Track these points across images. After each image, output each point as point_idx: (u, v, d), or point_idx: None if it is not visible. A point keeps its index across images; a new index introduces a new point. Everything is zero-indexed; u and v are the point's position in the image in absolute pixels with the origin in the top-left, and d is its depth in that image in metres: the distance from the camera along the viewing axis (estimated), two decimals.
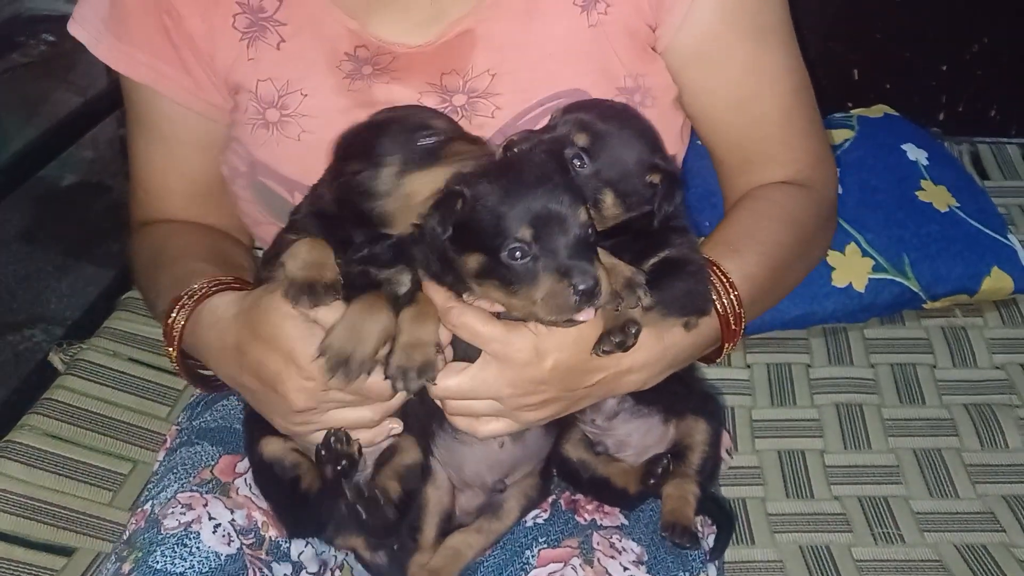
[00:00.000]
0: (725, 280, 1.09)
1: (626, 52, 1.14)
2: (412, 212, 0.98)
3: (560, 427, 1.15)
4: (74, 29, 1.20)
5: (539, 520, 1.15)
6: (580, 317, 0.93)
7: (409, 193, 0.98)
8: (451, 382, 1.00)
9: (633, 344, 0.97)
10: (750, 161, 1.18)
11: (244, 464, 1.14)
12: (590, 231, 0.94)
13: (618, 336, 0.96)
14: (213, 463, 1.14)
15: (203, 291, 1.10)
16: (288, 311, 0.97)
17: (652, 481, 1.11)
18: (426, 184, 0.97)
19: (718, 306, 1.08)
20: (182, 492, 1.09)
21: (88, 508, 1.40)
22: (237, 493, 1.11)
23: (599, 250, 0.97)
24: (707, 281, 1.07)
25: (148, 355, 1.66)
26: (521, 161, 0.99)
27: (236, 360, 1.03)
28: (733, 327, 1.10)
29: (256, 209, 1.21)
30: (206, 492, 1.09)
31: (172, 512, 1.06)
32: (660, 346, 1.03)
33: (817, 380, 1.70)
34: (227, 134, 1.21)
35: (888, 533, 1.42)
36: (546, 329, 0.96)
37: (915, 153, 1.90)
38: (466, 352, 1.01)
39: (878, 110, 2.05)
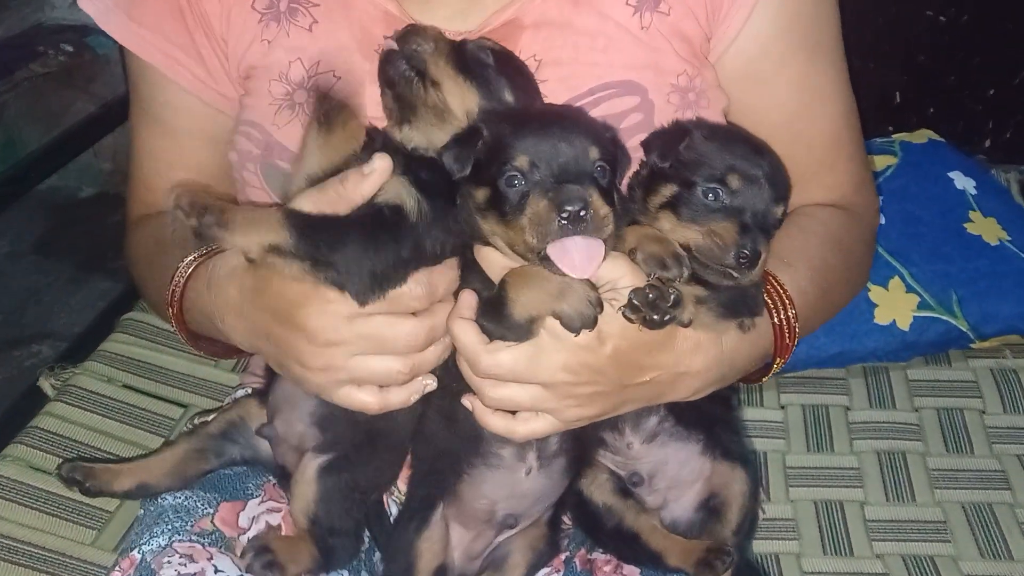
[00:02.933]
0: (782, 291, 1.05)
1: (682, 50, 1.11)
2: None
3: (580, 466, 1.08)
4: (84, 3, 1.17)
5: None
6: (576, 267, 0.87)
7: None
8: (504, 356, 0.92)
9: (668, 315, 0.89)
10: (796, 182, 1.12)
11: (248, 514, 1.06)
12: (599, 169, 0.92)
13: (654, 293, 0.89)
14: (212, 511, 1.07)
15: (209, 252, 1.06)
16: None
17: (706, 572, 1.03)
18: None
19: (775, 318, 1.04)
20: (180, 542, 1.01)
21: (68, 548, 1.31)
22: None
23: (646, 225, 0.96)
24: (759, 283, 1.03)
25: (144, 381, 1.58)
26: (546, 107, 1.01)
27: (253, 302, 0.96)
28: (787, 341, 1.07)
29: (265, 194, 1.16)
30: (209, 544, 1.02)
31: (169, 562, 0.99)
32: (718, 350, 0.99)
33: (856, 424, 1.58)
34: (234, 123, 1.17)
35: None
36: (609, 310, 0.90)
37: (962, 182, 1.80)
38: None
39: (922, 135, 1.94)
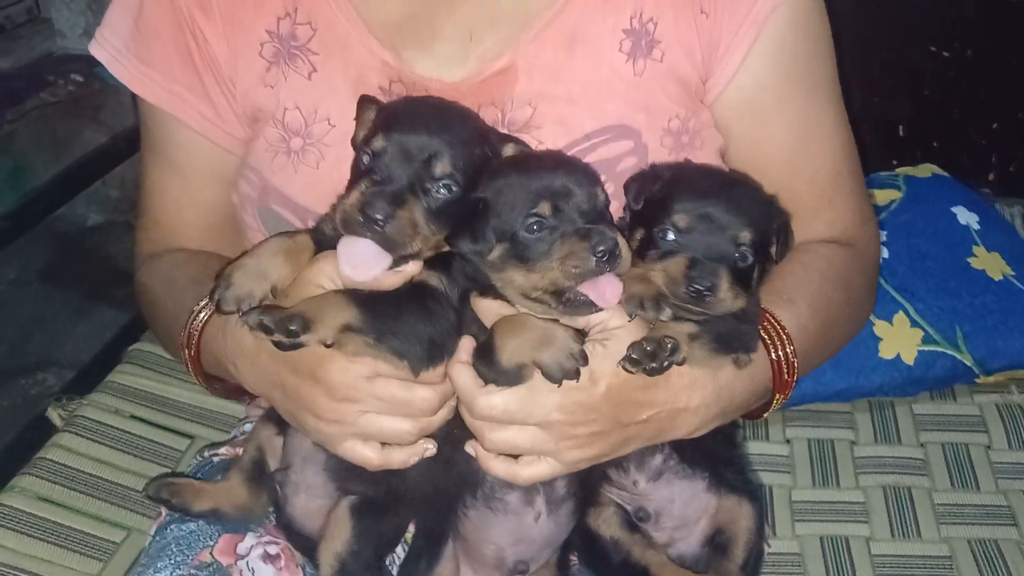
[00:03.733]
0: (780, 328, 1.05)
1: (675, 94, 1.11)
2: None
3: (588, 504, 1.08)
4: (95, 50, 1.19)
5: None
6: (603, 308, 0.91)
7: None
8: (496, 399, 0.93)
9: (667, 362, 0.91)
10: (796, 217, 1.12)
11: (245, 544, 1.06)
12: (607, 209, 0.95)
13: (651, 344, 0.91)
14: (212, 543, 1.07)
15: None
16: (332, 278, 0.95)
17: None
18: None
19: (772, 354, 1.04)
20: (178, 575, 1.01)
21: None
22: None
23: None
24: (755, 322, 1.04)
25: (151, 412, 1.59)
26: (532, 154, 1.03)
27: (270, 351, 0.96)
28: (786, 377, 1.06)
29: (263, 237, 1.16)
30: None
31: None
32: (714, 385, 0.99)
33: (862, 459, 1.58)
34: (241, 163, 1.18)
35: None
36: (601, 351, 0.92)
37: (966, 217, 1.80)
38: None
39: (926, 169, 1.95)
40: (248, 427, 1.31)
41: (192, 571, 1.02)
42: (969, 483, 1.53)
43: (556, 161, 0.99)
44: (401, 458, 0.99)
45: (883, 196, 1.83)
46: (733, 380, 1.00)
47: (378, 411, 0.95)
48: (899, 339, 1.65)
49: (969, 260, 1.73)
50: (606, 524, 1.09)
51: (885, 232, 1.69)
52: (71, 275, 3.26)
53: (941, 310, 1.67)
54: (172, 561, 1.04)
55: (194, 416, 1.61)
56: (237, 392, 1.15)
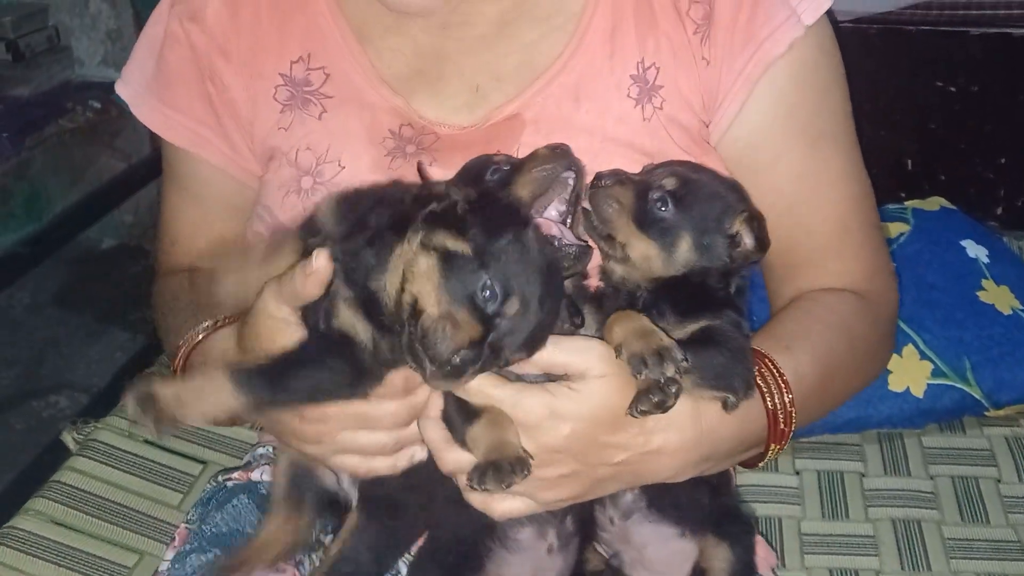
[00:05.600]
0: (777, 374, 1.02)
1: (682, 140, 1.12)
2: None
3: (587, 544, 1.08)
4: (120, 89, 1.23)
5: None
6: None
7: None
8: (463, 455, 0.94)
9: (673, 404, 0.89)
10: (798, 267, 1.12)
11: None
12: None
13: (657, 395, 0.88)
14: None
15: (217, 324, 1.11)
16: (281, 315, 0.94)
17: None
18: None
19: (768, 401, 1.01)
20: None
21: None
22: None
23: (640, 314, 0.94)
24: (749, 361, 0.99)
25: (164, 437, 1.59)
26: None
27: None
28: (782, 427, 1.03)
29: None
30: None
31: None
32: (696, 429, 0.96)
33: (872, 491, 1.58)
34: (256, 203, 1.21)
35: None
36: (565, 392, 0.90)
37: (975, 250, 1.81)
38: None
39: (934, 203, 1.96)
40: (260, 451, 1.32)
41: None
42: (979, 516, 1.53)
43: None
44: (386, 465, 0.99)
45: (893, 229, 1.83)
46: (718, 425, 0.97)
47: (352, 428, 0.96)
48: (909, 372, 1.65)
49: (978, 293, 1.74)
50: (591, 555, 1.09)
51: (894, 265, 1.70)
52: (85, 299, 3.29)
53: (950, 343, 1.67)
54: None
55: (206, 442, 1.61)
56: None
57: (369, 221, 0.91)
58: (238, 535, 1.13)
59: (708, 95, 1.11)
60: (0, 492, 1.55)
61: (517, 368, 0.93)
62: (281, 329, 0.94)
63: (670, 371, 0.88)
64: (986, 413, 1.68)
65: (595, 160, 1.09)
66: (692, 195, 0.99)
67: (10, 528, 1.38)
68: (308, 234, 0.97)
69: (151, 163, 1.27)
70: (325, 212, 0.95)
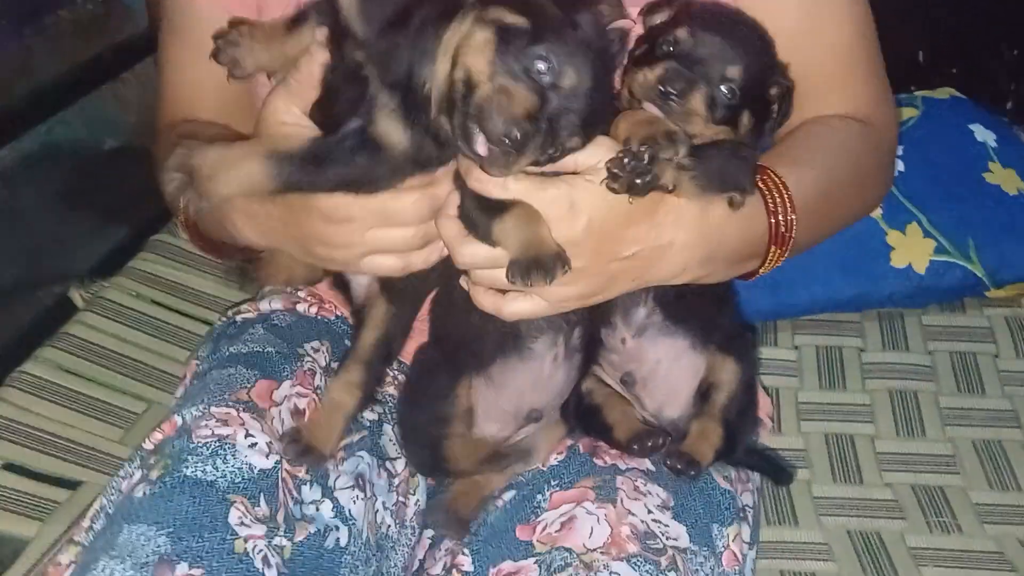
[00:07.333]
0: (778, 180, 1.02)
1: None
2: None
3: (588, 366, 1.09)
4: None
5: (553, 462, 1.08)
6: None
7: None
8: (480, 248, 0.93)
9: (650, 175, 0.88)
10: (806, 96, 1.12)
11: (281, 392, 1.08)
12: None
13: (629, 156, 0.87)
14: (250, 385, 1.07)
15: None
16: (291, 119, 0.93)
17: (635, 448, 1.05)
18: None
19: (769, 203, 1.01)
20: (216, 407, 1.02)
21: (97, 444, 1.35)
22: (272, 423, 1.05)
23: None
24: (752, 162, 1.00)
25: (172, 299, 1.61)
26: None
27: (260, 200, 0.97)
28: (783, 230, 1.02)
29: None
30: (243, 410, 1.03)
31: (207, 424, 1.00)
32: (702, 223, 0.96)
33: (870, 364, 1.60)
34: None
35: (944, 522, 1.32)
36: (582, 183, 0.90)
37: (983, 134, 1.80)
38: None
39: (944, 92, 1.95)
40: (264, 304, 1.32)
41: (229, 404, 1.03)
42: (975, 388, 1.55)
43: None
44: (421, 258, 1.00)
45: (902, 114, 1.83)
46: (724, 222, 0.97)
47: (377, 225, 0.96)
48: (911, 248, 1.66)
49: (984, 175, 1.73)
50: (595, 385, 1.11)
51: (901, 147, 1.69)
52: (89, 197, 3.28)
53: (954, 221, 1.67)
54: (209, 398, 1.04)
55: (213, 304, 1.63)
56: (240, 253, 1.15)
57: (407, 18, 0.90)
58: (260, 356, 1.12)
59: None
60: (7, 344, 1.56)
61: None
62: (291, 135, 0.93)
63: (681, 152, 0.88)
64: (987, 293, 1.69)
65: None
66: (751, 77, 0.98)
67: (20, 372, 1.40)
68: (325, 19, 0.95)
69: (145, 38, 1.24)
70: (351, 13, 0.93)
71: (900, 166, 1.70)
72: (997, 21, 2.14)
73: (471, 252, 0.94)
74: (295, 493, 1.01)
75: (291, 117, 0.94)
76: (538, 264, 0.87)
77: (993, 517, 1.33)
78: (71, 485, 1.30)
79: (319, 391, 1.10)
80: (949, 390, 1.55)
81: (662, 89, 0.92)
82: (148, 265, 1.66)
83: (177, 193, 0.90)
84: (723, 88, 0.95)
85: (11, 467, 1.29)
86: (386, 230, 0.97)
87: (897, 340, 1.65)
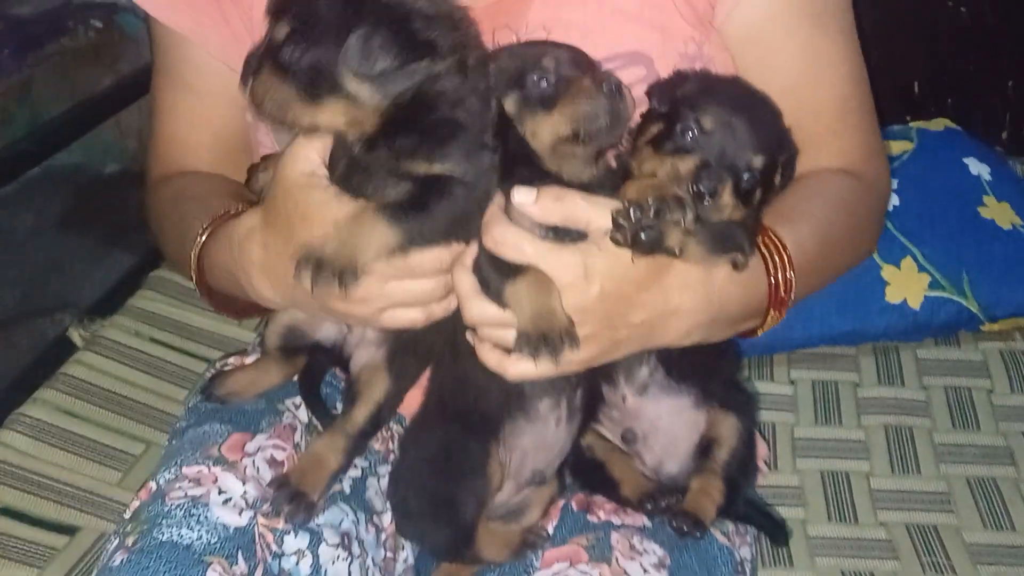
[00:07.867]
0: (777, 242, 1.04)
1: (689, 16, 1.11)
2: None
3: (588, 421, 1.09)
4: None
5: (548, 528, 1.09)
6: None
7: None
8: (490, 308, 0.94)
9: (655, 227, 0.89)
10: (801, 148, 1.13)
11: (255, 444, 1.08)
12: None
13: (636, 209, 0.89)
14: (222, 440, 1.08)
15: (234, 212, 1.07)
16: (312, 182, 0.94)
17: (648, 507, 1.06)
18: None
19: (769, 264, 1.02)
20: (188, 467, 1.03)
21: (95, 487, 1.36)
22: (244, 471, 1.05)
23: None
24: (751, 228, 1.01)
25: (171, 336, 1.62)
26: None
27: (279, 254, 0.97)
28: (782, 294, 1.04)
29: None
30: (213, 465, 1.03)
31: (179, 487, 1.01)
32: (708, 287, 0.97)
33: (865, 399, 1.61)
34: None
35: (938, 563, 1.33)
36: (595, 251, 0.91)
37: (977, 167, 1.81)
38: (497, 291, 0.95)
39: (939, 123, 1.96)
40: (250, 359, 1.31)
41: (200, 461, 1.04)
42: (970, 424, 1.56)
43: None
44: (441, 309, 1.00)
45: (896, 147, 1.83)
46: (728, 286, 0.98)
47: (396, 277, 0.96)
48: (906, 284, 1.67)
49: (979, 209, 1.74)
50: (595, 440, 1.11)
51: (896, 180, 1.70)
52: (89, 223, 3.29)
53: (948, 256, 1.68)
54: (183, 457, 1.05)
55: (212, 342, 1.64)
56: (249, 310, 1.17)
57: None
58: (235, 411, 1.12)
59: None
60: (6, 386, 1.57)
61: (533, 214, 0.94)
62: (315, 184, 0.94)
63: (689, 217, 0.89)
64: (981, 327, 1.70)
65: (603, 34, 1.09)
66: (771, 159, 0.99)
67: (19, 415, 1.41)
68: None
69: (147, 73, 1.24)
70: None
71: (895, 200, 1.71)
72: (992, 53, 2.16)
73: (480, 311, 0.95)
74: (274, 547, 1.01)
75: (311, 166, 0.96)
76: (547, 341, 0.89)
77: (986, 557, 1.33)
78: (69, 531, 1.31)
79: (299, 448, 1.10)
80: (944, 426, 1.56)
81: (695, 188, 0.93)
82: (147, 303, 1.67)
83: (319, 285, 0.91)
84: (746, 175, 0.96)
85: (9, 512, 1.30)
86: (407, 282, 0.97)
87: (892, 374, 1.66)
